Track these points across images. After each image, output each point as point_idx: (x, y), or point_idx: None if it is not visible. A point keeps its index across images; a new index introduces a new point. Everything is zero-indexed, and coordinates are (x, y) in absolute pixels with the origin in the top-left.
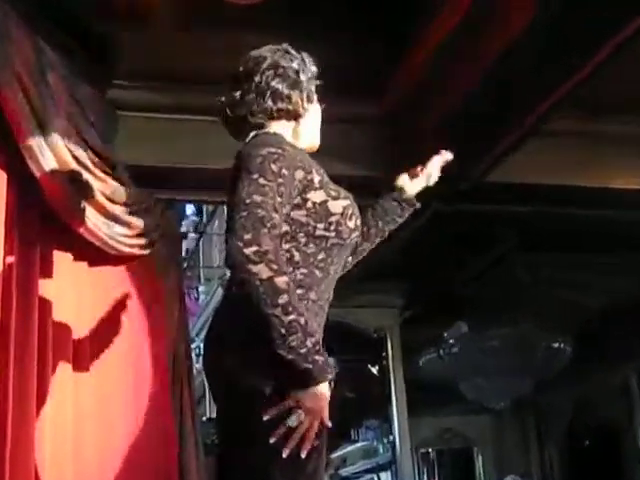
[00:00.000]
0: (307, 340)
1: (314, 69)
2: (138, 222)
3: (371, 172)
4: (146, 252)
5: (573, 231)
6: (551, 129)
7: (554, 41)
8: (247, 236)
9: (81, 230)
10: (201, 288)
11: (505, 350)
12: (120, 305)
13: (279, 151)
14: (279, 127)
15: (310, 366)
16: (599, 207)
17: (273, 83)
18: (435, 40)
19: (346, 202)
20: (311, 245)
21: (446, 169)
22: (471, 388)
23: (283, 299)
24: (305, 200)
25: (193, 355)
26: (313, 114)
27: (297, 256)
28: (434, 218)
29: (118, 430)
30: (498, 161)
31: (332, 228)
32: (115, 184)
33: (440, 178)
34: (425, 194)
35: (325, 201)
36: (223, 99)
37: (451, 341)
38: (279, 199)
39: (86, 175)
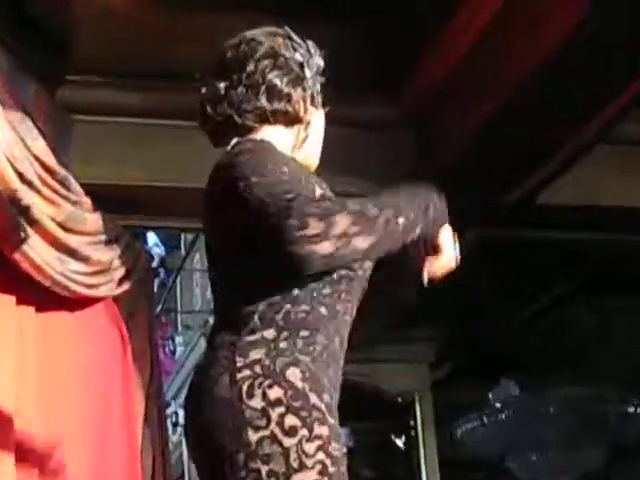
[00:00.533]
0: (410, 199)
1: (321, 63)
2: (99, 256)
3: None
4: (109, 294)
5: None
6: (625, 134)
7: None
8: (309, 208)
9: (25, 266)
10: (178, 339)
11: (566, 416)
12: (75, 362)
13: (293, 163)
14: (271, 133)
15: (431, 211)
16: None
17: (270, 76)
18: (469, 36)
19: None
20: (316, 278)
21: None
22: (523, 465)
23: (373, 212)
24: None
25: (169, 424)
26: (316, 121)
27: (297, 290)
28: (475, 247)
29: None
30: (553, 177)
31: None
32: (70, 208)
33: (482, 197)
34: (464, 217)
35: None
36: (203, 91)
37: (497, 405)
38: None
39: (32, 196)
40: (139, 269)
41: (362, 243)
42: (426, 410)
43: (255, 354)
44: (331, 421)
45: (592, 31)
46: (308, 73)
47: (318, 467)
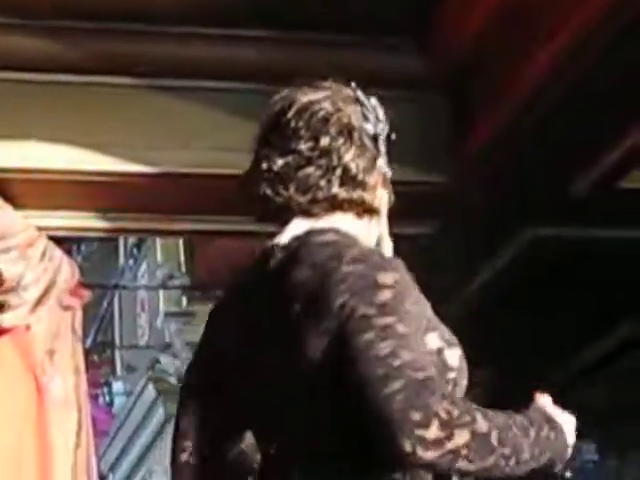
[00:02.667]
0: (526, 435)
1: (386, 126)
2: (5, 270)
3: (424, 175)
4: (18, 323)
5: None
6: None
7: None
8: (418, 416)
9: None
10: (117, 385)
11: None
12: None
13: (404, 276)
14: (343, 221)
15: (549, 454)
16: None
17: (347, 158)
18: None
19: (460, 351)
20: None
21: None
22: None
23: (493, 437)
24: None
25: None
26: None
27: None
28: (531, 251)
29: None
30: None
31: (449, 388)
32: None
33: (539, 180)
34: (514, 207)
35: (442, 349)
36: (257, 163)
37: (568, 475)
38: (423, 353)
39: None
40: (61, 287)
41: (465, 467)
42: None
43: None
44: None
45: None
46: (382, 149)
47: None
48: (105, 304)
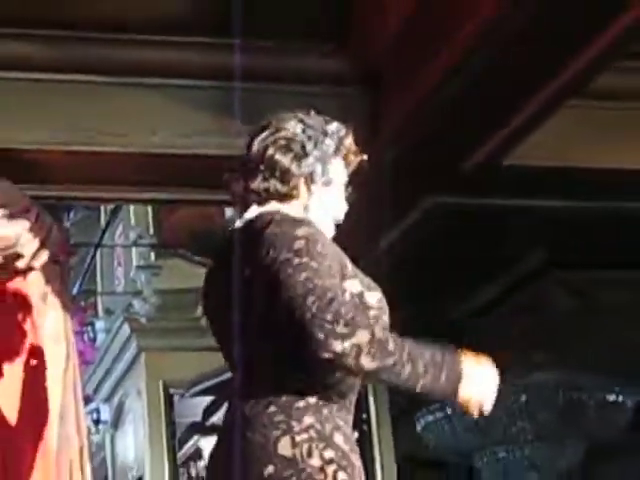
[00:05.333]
0: (425, 355)
1: (344, 139)
2: (5, 231)
3: None
4: (16, 274)
5: (632, 238)
6: (599, 89)
7: None
8: (329, 316)
9: None
10: (99, 324)
11: (539, 406)
12: None
13: (316, 231)
14: (277, 207)
15: (445, 375)
16: None
17: (269, 154)
18: None
19: (379, 294)
20: None
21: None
22: (492, 463)
23: (391, 345)
24: (343, 290)
25: (90, 422)
26: (328, 198)
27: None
28: (432, 215)
29: None
30: (518, 136)
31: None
32: None
33: (438, 157)
34: (417, 179)
35: (362, 293)
36: (225, 177)
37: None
38: (333, 281)
39: None
40: (51, 245)
41: (367, 363)
42: (381, 403)
43: (308, 419)
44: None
45: None
46: (312, 152)
47: None
48: (89, 259)
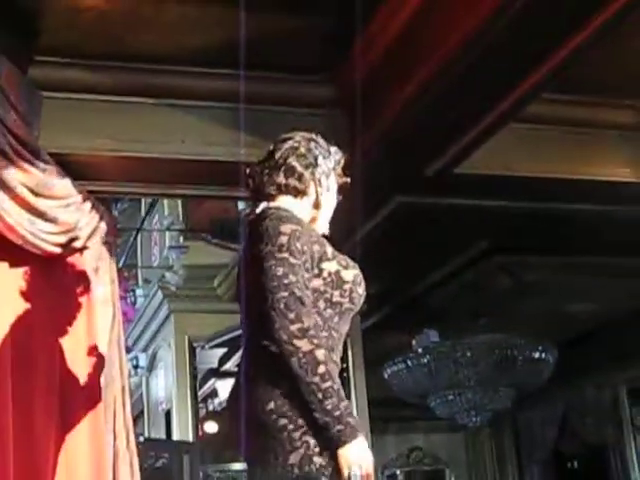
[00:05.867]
0: (340, 404)
1: (339, 161)
2: (66, 218)
3: None
4: (75, 251)
5: (557, 230)
6: (530, 114)
7: (525, 24)
8: (291, 315)
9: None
10: (139, 291)
11: (480, 361)
12: (45, 312)
13: (299, 228)
14: (286, 201)
15: (342, 427)
16: (585, 202)
17: (289, 160)
18: (394, 24)
19: (356, 271)
20: (329, 310)
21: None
22: (443, 403)
23: (322, 369)
24: (321, 270)
25: (130, 367)
26: (326, 201)
27: (319, 320)
28: (398, 211)
29: (41, 457)
30: (467, 150)
31: (346, 294)
32: (40, 175)
33: (403, 165)
34: (387, 183)
35: (338, 270)
36: (247, 171)
37: (420, 351)
38: (306, 275)
39: (5, 164)
40: (102, 229)
41: (296, 365)
42: (357, 354)
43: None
44: None
45: (508, 18)
46: (321, 163)
47: None
48: (131, 240)
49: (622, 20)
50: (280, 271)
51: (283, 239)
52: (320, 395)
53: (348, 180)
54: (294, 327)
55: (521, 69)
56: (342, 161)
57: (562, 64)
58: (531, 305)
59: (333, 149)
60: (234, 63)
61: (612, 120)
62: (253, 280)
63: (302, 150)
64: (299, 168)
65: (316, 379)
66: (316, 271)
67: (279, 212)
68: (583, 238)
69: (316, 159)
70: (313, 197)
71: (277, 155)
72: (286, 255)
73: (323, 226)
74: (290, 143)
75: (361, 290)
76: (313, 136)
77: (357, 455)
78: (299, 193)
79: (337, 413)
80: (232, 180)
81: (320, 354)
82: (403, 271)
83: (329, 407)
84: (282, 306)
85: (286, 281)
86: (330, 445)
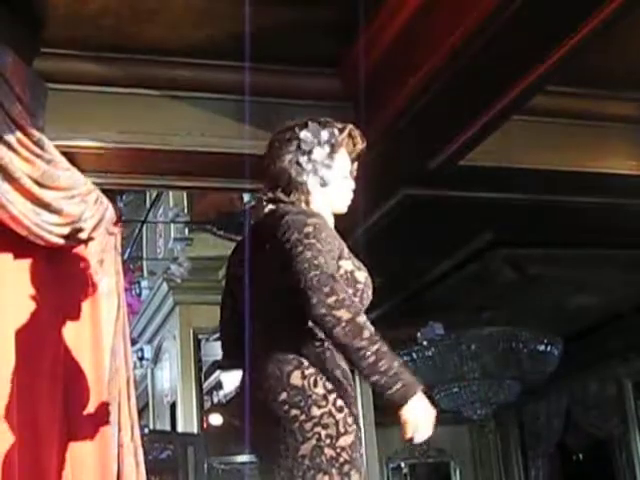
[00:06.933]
0: (392, 363)
1: (343, 135)
2: (71, 209)
3: None
4: (80, 243)
5: (562, 223)
6: (535, 106)
7: (529, 17)
8: (326, 289)
9: (4, 218)
10: (144, 283)
11: (485, 354)
12: (49, 304)
13: (322, 222)
14: (298, 197)
15: (399, 386)
16: (590, 194)
17: (292, 157)
18: (400, 17)
19: (366, 273)
20: None
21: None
22: (447, 396)
23: (366, 333)
24: (339, 267)
25: (135, 359)
26: (335, 185)
27: (350, 292)
28: (404, 204)
29: (46, 447)
30: (472, 143)
31: (358, 294)
32: (45, 166)
33: (408, 158)
34: (392, 175)
35: (353, 270)
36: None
37: (424, 343)
38: (332, 262)
39: (10, 155)
40: (107, 221)
41: (342, 335)
42: None
43: (314, 358)
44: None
45: (513, 10)
46: (305, 166)
47: (354, 433)
48: (137, 232)
49: (628, 12)
50: (309, 254)
51: (309, 229)
52: (371, 359)
53: (363, 146)
54: (330, 300)
55: (526, 61)
56: (344, 132)
57: (567, 56)
58: (536, 298)
59: (325, 134)
60: (239, 55)
61: (617, 112)
62: (274, 268)
63: (302, 145)
64: (285, 175)
65: (364, 343)
66: (336, 266)
67: (298, 207)
68: (588, 231)
69: (299, 164)
70: (305, 197)
71: (280, 152)
72: (313, 241)
73: (342, 206)
74: (289, 134)
75: (370, 292)
76: (297, 134)
77: (416, 414)
78: (289, 194)
79: (392, 372)
80: (238, 172)
81: (361, 320)
82: (407, 264)
83: (383, 369)
84: (315, 283)
85: (316, 262)
86: (392, 403)
